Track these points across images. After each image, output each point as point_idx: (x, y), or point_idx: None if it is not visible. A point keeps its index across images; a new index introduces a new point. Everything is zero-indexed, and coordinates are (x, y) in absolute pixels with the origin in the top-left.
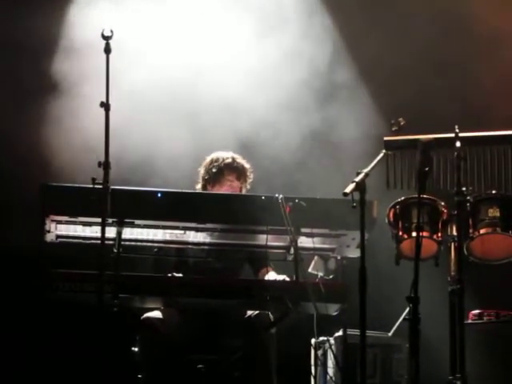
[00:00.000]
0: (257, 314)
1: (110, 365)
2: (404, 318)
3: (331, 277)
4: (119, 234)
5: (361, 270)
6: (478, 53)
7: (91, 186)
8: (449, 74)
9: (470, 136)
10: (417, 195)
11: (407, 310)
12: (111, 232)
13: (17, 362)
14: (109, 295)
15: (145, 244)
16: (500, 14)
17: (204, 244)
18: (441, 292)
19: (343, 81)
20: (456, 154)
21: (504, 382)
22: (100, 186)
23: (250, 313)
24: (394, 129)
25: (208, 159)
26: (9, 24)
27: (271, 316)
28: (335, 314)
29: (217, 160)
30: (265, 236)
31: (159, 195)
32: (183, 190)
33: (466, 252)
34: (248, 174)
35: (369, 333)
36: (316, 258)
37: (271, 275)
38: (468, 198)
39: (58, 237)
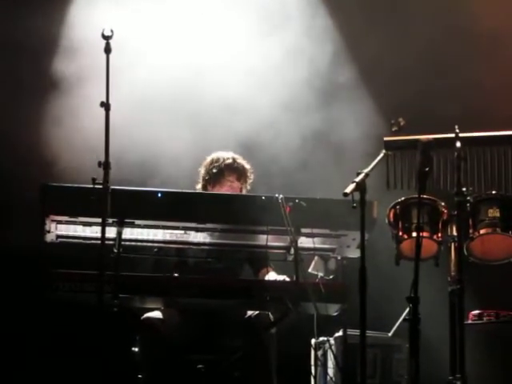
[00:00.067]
0: (257, 314)
1: (110, 365)
2: (404, 319)
3: (331, 277)
4: (119, 234)
5: (361, 271)
6: (478, 53)
7: (91, 186)
8: (449, 74)
9: (470, 136)
10: (417, 195)
11: (407, 310)
12: (111, 232)
13: (17, 361)
14: (109, 295)
15: (145, 244)
16: (500, 14)
17: (204, 244)
18: (441, 292)
19: (343, 81)
20: (456, 154)
21: (504, 382)
22: (100, 186)
23: (250, 313)
24: (394, 129)
25: (208, 159)
26: (9, 24)
27: (271, 316)
28: (335, 314)
29: (217, 160)
30: (265, 236)
31: (159, 195)
32: (183, 190)
33: (466, 252)
34: (248, 174)
35: (369, 333)
36: (316, 258)
37: (271, 275)
38: (468, 198)
39: (58, 237)
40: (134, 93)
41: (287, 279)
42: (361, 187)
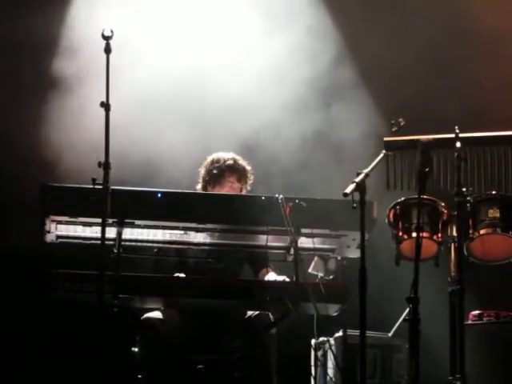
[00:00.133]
0: (257, 314)
1: (110, 365)
2: (404, 319)
3: (331, 277)
4: (119, 234)
5: (361, 271)
6: (478, 53)
7: (91, 186)
8: (449, 74)
9: (470, 136)
10: (417, 196)
11: (407, 310)
12: (111, 232)
13: (17, 361)
14: (109, 295)
15: (145, 244)
16: (500, 14)
17: (204, 244)
18: (441, 292)
19: (343, 81)
20: (456, 154)
21: (504, 382)
22: (100, 187)
23: (250, 313)
24: (394, 129)
25: (209, 160)
26: (9, 24)
27: (271, 316)
28: (335, 314)
29: (218, 161)
30: (265, 236)
31: (159, 195)
32: (183, 191)
33: (466, 253)
34: (249, 175)
35: (369, 333)
36: (316, 258)
37: (271, 276)
38: (468, 198)
39: (58, 237)
40: (134, 93)
41: (287, 279)
42: (361, 187)
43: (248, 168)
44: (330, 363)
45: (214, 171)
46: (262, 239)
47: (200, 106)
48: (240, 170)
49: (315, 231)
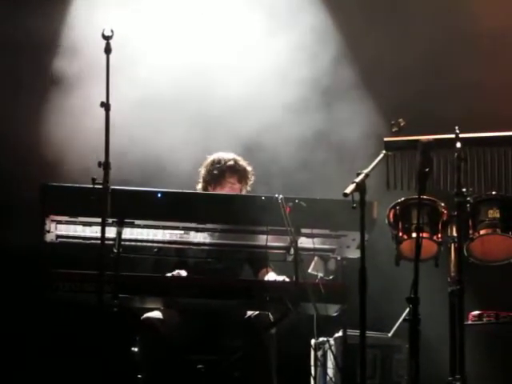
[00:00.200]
0: (257, 314)
1: (110, 365)
2: (404, 319)
3: (331, 277)
4: (119, 234)
5: (361, 271)
6: (478, 53)
7: (91, 186)
8: (449, 74)
9: (470, 137)
10: (417, 196)
11: (407, 310)
12: (111, 232)
13: (17, 361)
14: (109, 295)
15: (145, 244)
16: (500, 14)
17: (204, 244)
18: (441, 293)
19: (343, 81)
20: (456, 154)
21: (503, 382)
22: (100, 186)
23: (249, 313)
24: (394, 129)
25: (209, 160)
26: (9, 24)
27: (271, 316)
28: (335, 314)
29: (219, 162)
30: (265, 236)
31: (159, 195)
32: (183, 191)
33: (465, 253)
34: (249, 176)
35: (369, 333)
36: (316, 258)
37: (271, 276)
38: (468, 198)
39: (58, 237)
40: (135, 93)
41: (287, 279)
42: (361, 188)
43: (249, 169)
44: (330, 363)
45: (215, 172)
46: (262, 239)
47: (200, 106)
48: (241, 171)
49: (315, 231)
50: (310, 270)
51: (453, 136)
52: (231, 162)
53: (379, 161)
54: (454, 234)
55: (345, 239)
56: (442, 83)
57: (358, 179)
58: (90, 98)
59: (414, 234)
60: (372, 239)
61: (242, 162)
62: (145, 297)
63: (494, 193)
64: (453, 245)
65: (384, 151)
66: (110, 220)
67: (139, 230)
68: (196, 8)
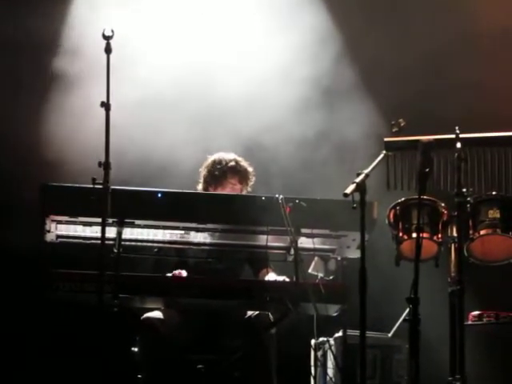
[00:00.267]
0: (257, 314)
1: (110, 365)
2: (404, 319)
3: (331, 277)
4: (119, 234)
5: (361, 271)
6: (478, 53)
7: (91, 186)
8: (449, 74)
9: (470, 137)
10: (417, 196)
11: (407, 310)
12: (111, 232)
13: (17, 361)
14: (109, 295)
15: (145, 244)
16: (500, 14)
17: (204, 244)
18: (441, 293)
19: (344, 81)
20: (456, 155)
21: (503, 382)
22: (100, 186)
23: (250, 313)
24: (394, 130)
25: (210, 160)
26: (9, 24)
27: (271, 316)
28: (335, 314)
29: (220, 162)
30: (265, 236)
31: (159, 195)
32: (183, 191)
33: (466, 253)
34: (250, 177)
35: (369, 333)
36: (316, 258)
37: (271, 276)
38: (468, 199)
39: (58, 237)
40: (135, 93)
41: (287, 280)
42: (361, 188)
43: (250, 169)
44: (330, 363)
45: (216, 172)
46: (262, 239)
47: (200, 106)
48: (242, 171)
49: (315, 231)
50: (310, 270)
51: (453, 136)
52: (232, 163)
53: (379, 161)
54: (454, 234)
55: (345, 239)
56: (441, 83)
57: (358, 179)
58: (90, 98)
59: (414, 235)
60: (372, 239)
61: (243, 163)
62: (145, 297)
63: (494, 193)
64: (453, 245)
65: (384, 151)
66: (110, 220)
67: (139, 229)
68: (196, 8)
